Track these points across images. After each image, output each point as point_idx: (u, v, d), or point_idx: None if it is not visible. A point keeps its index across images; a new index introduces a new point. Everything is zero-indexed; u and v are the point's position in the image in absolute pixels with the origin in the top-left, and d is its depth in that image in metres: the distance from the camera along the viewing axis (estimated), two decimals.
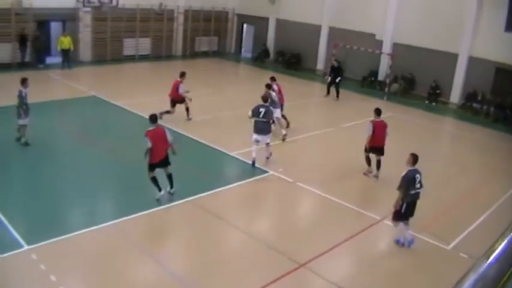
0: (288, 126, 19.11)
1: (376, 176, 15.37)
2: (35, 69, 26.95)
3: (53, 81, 25.64)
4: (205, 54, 36.07)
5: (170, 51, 34.54)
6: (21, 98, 15.39)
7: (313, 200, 14.09)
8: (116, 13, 30.56)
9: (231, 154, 16.36)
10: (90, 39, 30.31)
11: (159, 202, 12.50)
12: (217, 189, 13.62)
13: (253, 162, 15.35)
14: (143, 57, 32.63)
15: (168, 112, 18.88)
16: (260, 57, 35.46)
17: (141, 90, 23.97)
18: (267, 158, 15.75)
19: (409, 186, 10.82)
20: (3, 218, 11.02)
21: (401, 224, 11.27)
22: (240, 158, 16.04)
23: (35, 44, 27.94)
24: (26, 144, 15.59)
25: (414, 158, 11.06)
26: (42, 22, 29.22)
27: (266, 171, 15.13)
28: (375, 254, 11.66)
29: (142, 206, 12.22)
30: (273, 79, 19.11)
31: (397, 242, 11.50)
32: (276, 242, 11.29)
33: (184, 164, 14.45)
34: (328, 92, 26.04)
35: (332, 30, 31.74)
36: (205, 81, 25.45)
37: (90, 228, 10.94)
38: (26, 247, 10.00)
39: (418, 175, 10.93)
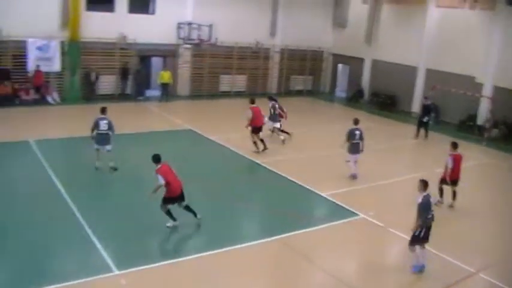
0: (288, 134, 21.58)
1: (452, 206, 15.58)
2: (134, 101, 28.20)
3: (151, 113, 26.64)
4: (299, 93, 36.19)
5: (265, 89, 34.91)
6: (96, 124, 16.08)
7: (404, 247, 13.44)
8: (214, 50, 31.46)
9: (322, 194, 16.00)
10: (188, 74, 31.37)
11: (244, 238, 12.45)
12: (306, 229, 13.28)
13: (354, 176, 17.37)
14: (238, 94, 33.17)
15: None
16: (354, 98, 35.10)
17: (235, 125, 24.17)
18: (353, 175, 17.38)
19: (427, 211, 11.03)
20: (96, 241, 11.36)
21: (417, 248, 11.29)
22: (331, 199, 15.61)
23: (136, 78, 29.35)
24: (114, 169, 16.36)
25: (425, 184, 11.24)
26: (144, 57, 30.64)
27: (356, 214, 14.63)
28: None
29: (228, 241, 12.17)
30: (271, 99, 22.79)
31: (415, 269, 11.42)
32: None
33: (275, 201, 14.42)
34: (418, 134, 25.26)
35: (429, 72, 30.88)
36: (298, 120, 25.27)
37: (176, 260, 11.03)
38: (116, 272, 10.19)
39: (431, 199, 11.24)
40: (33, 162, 16.96)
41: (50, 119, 24.05)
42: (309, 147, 21.22)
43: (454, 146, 15.50)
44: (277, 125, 21.73)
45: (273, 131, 21.96)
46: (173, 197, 12.27)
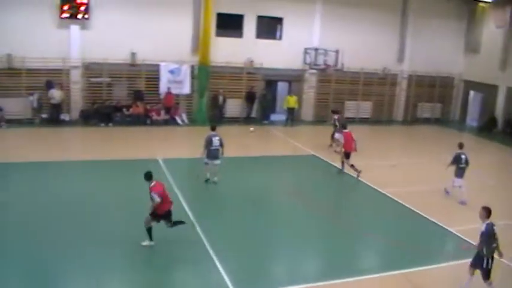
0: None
1: None
2: (259, 124, 28.44)
3: (275, 138, 26.68)
4: (426, 121, 34.59)
5: (390, 116, 33.92)
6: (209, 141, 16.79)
7: None
8: (340, 76, 31.05)
9: (449, 229, 14.81)
10: (313, 99, 31.21)
11: (363, 270, 11.83)
12: (429, 266, 12.10)
13: (463, 202, 16.56)
14: (363, 120, 32.48)
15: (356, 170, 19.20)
16: (486, 127, 32.95)
17: (358, 153, 23.63)
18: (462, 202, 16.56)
19: (491, 240, 10.25)
20: (217, 262, 11.31)
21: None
22: (458, 235, 14.08)
23: (262, 102, 29.69)
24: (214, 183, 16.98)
25: (488, 211, 10.40)
26: (270, 81, 30.96)
27: None
28: None
29: (345, 271, 11.54)
30: (335, 112, 24.53)
31: None
32: None
33: (397, 233, 13.66)
34: None
35: None
36: (424, 149, 23.89)
37: (293, 287, 10.70)
38: None
39: (495, 227, 10.36)
40: (161, 179, 17.42)
41: (177, 139, 24.85)
42: (435, 179, 19.48)
43: None
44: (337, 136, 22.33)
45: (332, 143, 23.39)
46: (160, 214, 11.90)
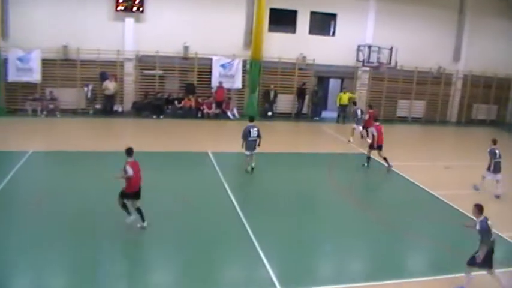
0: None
1: None
2: (310, 121, 28.14)
3: (325, 135, 26.24)
4: (481, 123, 33.50)
5: (444, 117, 33.05)
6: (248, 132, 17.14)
7: None
8: (393, 74, 30.42)
9: (501, 235, 13.97)
10: (365, 97, 30.67)
11: (409, 272, 11.36)
12: (478, 272, 11.52)
13: (497, 196, 16.65)
14: (415, 120, 31.78)
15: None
16: None
17: (411, 153, 22.98)
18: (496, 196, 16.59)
19: (489, 234, 10.16)
20: (263, 256, 11.09)
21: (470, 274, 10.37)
22: (510, 240, 13.29)
23: (313, 98, 29.37)
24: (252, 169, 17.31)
25: (479, 208, 10.34)
26: (322, 78, 30.59)
27: None
28: None
29: (393, 273, 11.02)
30: (354, 103, 26.07)
31: None
32: None
33: (447, 237, 13.14)
34: None
35: None
36: (476, 152, 22.49)
37: (338, 286, 10.33)
38: None
39: (489, 222, 10.26)
40: (210, 172, 17.43)
41: (228, 133, 24.68)
42: (489, 183, 18.47)
43: None
44: (360, 128, 23.92)
45: (361, 136, 24.14)
46: (130, 193, 12.01)
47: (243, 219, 13.06)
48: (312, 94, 29.42)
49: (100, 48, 25.44)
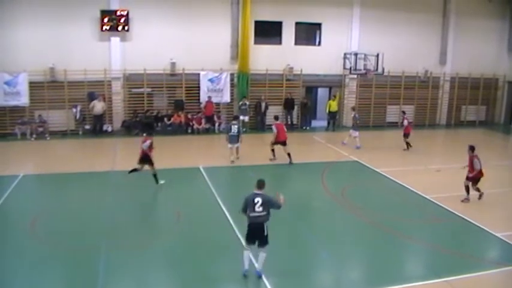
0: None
1: None
2: (300, 131, 28.18)
3: (316, 144, 26.26)
4: (471, 124, 33.65)
5: (434, 120, 33.15)
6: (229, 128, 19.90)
7: None
8: (380, 80, 30.56)
9: (497, 235, 14.05)
10: (354, 105, 30.70)
11: (406, 277, 11.26)
12: (476, 273, 11.26)
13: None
14: None
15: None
16: None
17: (402, 158, 23.08)
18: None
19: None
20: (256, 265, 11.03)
21: None
22: (507, 241, 13.20)
23: (302, 110, 29.45)
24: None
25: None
26: (310, 88, 30.71)
27: None
28: None
29: (389, 279, 11.00)
30: (352, 109, 26.07)
31: None
32: None
33: (442, 239, 13.16)
34: None
35: None
36: (467, 154, 22.52)
37: None
38: None
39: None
40: (202, 186, 17.43)
41: (218, 148, 24.61)
42: (482, 185, 18.42)
43: None
44: (356, 133, 24.55)
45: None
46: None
47: (237, 233, 12.98)
48: (300, 106, 29.50)
49: (87, 68, 25.42)
